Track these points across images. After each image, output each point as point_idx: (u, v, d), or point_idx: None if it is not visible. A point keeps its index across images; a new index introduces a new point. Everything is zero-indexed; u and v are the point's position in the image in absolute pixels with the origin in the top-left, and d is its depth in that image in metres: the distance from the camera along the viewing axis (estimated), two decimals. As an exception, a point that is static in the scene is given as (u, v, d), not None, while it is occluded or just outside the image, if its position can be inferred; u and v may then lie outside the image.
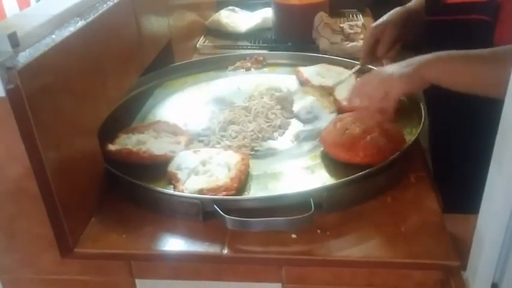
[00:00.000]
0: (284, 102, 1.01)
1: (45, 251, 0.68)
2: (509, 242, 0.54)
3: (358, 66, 1.10)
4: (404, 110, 0.93)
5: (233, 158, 0.79)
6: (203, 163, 0.79)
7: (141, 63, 1.01)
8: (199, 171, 0.78)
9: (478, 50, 0.78)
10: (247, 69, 1.21)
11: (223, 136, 0.91)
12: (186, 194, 0.73)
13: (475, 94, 0.76)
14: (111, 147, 0.82)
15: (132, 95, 1.06)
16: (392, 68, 0.86)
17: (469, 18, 0.96)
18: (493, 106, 0.57)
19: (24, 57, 0.59)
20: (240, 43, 1.45)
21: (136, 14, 0.94)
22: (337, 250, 0.67)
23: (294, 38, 1.40)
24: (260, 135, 0.91)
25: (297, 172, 0.80)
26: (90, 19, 0.75)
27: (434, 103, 1.04)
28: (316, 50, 1.30)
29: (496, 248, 0.55)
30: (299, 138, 0.91)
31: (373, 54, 1.07)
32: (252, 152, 0.87)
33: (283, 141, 0.90)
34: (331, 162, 0.81)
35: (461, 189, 0.85)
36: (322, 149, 0.84)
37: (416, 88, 0.88)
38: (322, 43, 1.30)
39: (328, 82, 1.07)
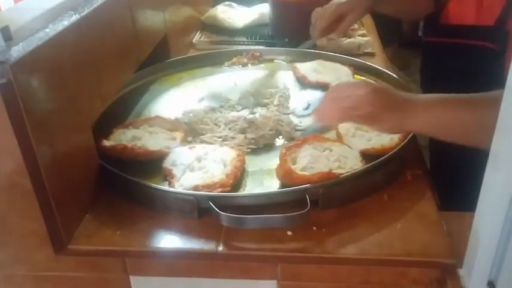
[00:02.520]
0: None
1: (38, 248, 0.67)
2: (506, 240, 0.54)
3: (312, 40, 1.21)
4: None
5: (229, 155, 0.79)
6: (198, 159, 0.79)
7: (136, 58, 1.00)
8: (195, 168, 0.77)
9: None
10: (244, 65, 1.20)
11: (219, 132, 0.90)
12: (181, 190, 0.72)
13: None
14: (106, 142, 0.81)
15: (127, 90, 1.05)
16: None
17: (470, 44, 0.88)
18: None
19: (17, 51, 0.58)
20: (237, 39, 1.44)
21: (131, 8, 0.93)
22: (333, 247, 0.67)
23: (290, 34, 1.39)
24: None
25: (293, 169, 0.80)
26: (84, 13, 0.74)
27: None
28: (313, 46, 1.29)
29: (493, 246, 0.55)
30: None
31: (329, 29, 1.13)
32: (248, 149, 0.86)
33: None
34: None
35: (458, 187, 0.85)
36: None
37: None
38: (319, 39, 1.29)
39: (325, 78, 1.07)
